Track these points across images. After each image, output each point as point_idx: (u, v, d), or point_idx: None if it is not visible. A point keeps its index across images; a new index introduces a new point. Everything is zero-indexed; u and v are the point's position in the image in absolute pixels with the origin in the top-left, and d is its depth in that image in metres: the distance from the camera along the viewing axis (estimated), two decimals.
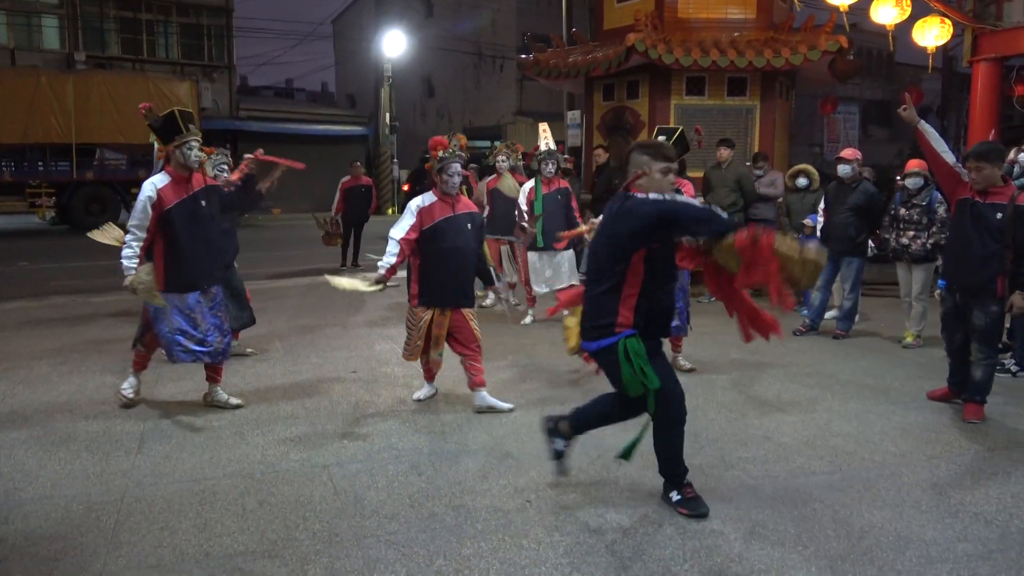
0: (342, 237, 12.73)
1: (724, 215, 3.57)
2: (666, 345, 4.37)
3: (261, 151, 6.01)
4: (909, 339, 7.20)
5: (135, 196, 5.28)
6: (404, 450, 4.55)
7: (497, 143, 9.90)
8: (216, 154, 6.60)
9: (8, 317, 8.54)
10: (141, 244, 5.00)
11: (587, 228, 5.52)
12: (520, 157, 9.17)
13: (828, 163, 18.07)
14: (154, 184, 5.00)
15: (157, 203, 4.97)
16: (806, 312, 7.92)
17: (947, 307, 5.27)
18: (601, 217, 3.82)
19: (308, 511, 3.74)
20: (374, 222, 13.64)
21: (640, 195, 3.53)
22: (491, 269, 5.47)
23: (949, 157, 5.13)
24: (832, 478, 4.15)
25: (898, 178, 7.89)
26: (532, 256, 7.92)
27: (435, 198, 5.11)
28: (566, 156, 10.09)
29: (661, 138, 6.18)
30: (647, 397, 3.58)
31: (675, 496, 3.73)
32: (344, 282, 5.01)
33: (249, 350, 6.85)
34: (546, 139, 7.95)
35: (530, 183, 7.92)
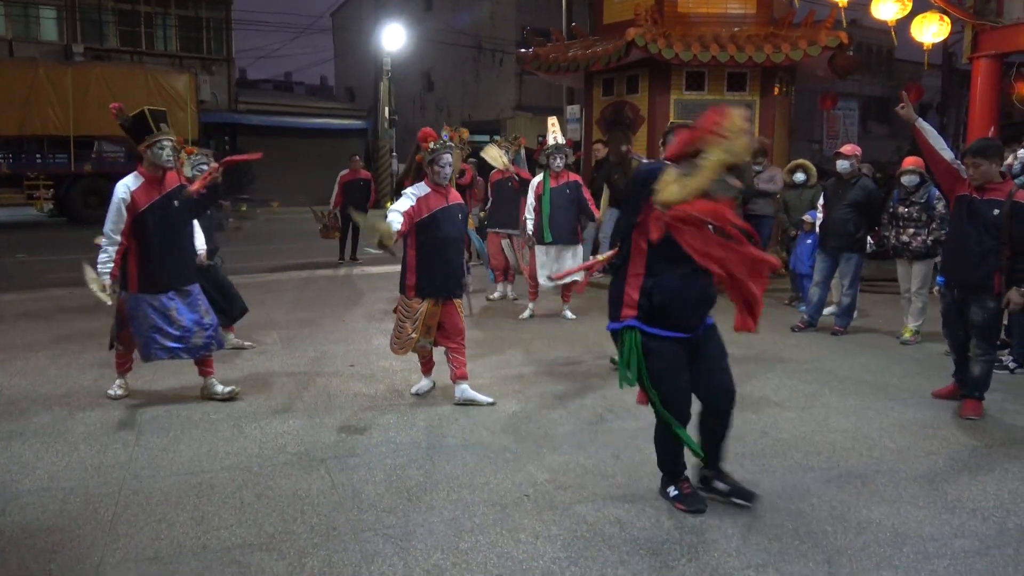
0: (340, 230, 12.73)
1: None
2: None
3: (225, 162, 5.66)
4: (907, 335, 7.20)
5: None
6: (402, 444, 4.55)
7: (497, 137, 9.89)
8: (196, 154, 6.54)
9: (6, 309, 8.52)
10: (117, 248, 4.95)
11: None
12: (521, 150, 9.16)
13: (827, 159, 18.07)
14: (127, 186, 4.96)
15: (131, 205, 4.94)
16: (804, 308, 7.92)
17: (946, 303, 5.28)
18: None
19: (306, 504, 3.74)
20: (373, 216, 13.62)
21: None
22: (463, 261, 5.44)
23: (947, 154, 5.12)
24: (829, 474, 4.16)
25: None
26: (540, 249, 7.93)
27: (428, 189, 5.11)
28: (596, 143, 10.02)
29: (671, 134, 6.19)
30: (649, 395, 3.56)
31: (672, 491, 3.73)
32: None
33: (247, 343, 6.85)
34: (554, 133, 7.94)
35: (539, 177, 7.94)
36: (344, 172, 12.77)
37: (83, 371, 6.00)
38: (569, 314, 8.09)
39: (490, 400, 5.28)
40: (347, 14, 38.16)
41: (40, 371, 6.07)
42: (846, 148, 7.70)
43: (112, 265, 4.95)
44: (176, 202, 5.11)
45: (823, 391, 5.66)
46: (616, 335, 3.63)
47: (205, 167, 6.57)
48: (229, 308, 6.67)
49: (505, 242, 8.98)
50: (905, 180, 7.09)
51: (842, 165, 7.50)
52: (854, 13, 10.62)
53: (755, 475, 4.10)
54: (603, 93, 11.39)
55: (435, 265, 5.10)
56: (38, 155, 21.07)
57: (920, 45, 10.56)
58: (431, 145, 5.09)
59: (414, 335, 5.20)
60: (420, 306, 5.16)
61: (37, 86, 20.56)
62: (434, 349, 5.44)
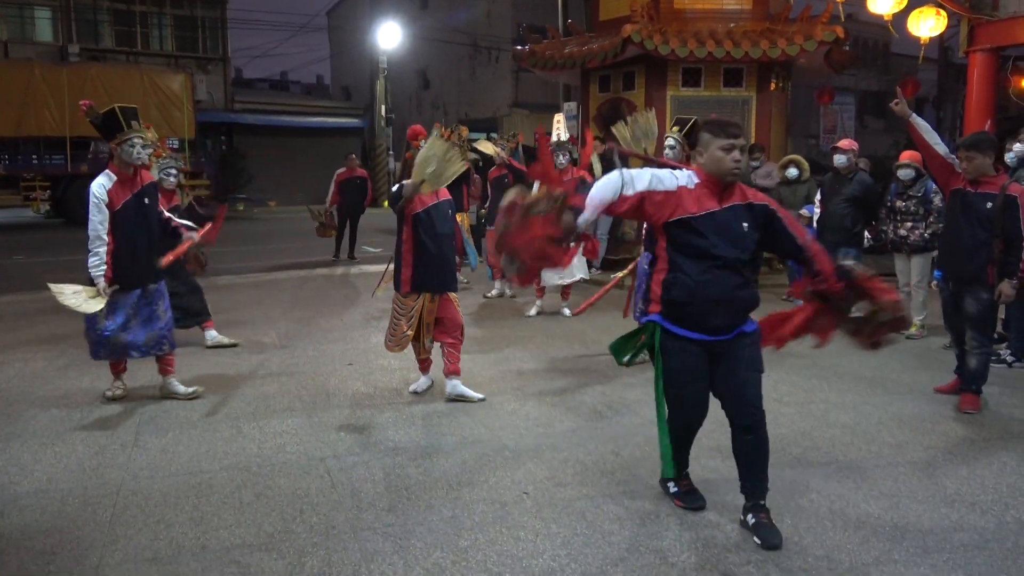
0: (336, 229, 12.72)
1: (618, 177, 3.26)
2: None
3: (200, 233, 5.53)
4: (913, 329, 7.16)
5: None
6: (401, 442, 4.55)
7: (493, 135, 9.88)
8: (165, 158, 6.50)
9: (3, 310, 8.51)
10: (106, 248, 4.95)
11: None
12: (518, 147, 9.16)
13: (824, 154, 18.06)
14: (102, 185, 4.96)
15: (109, 204, 4.94)
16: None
17: (944, 297, 5.30)
18: None
19: (305, 504, 3.74)
20: (370, 214, 13.59)
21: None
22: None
23: (941, 148, 5.13)
24: (828, 468, 4.16)
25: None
26: None
27: None
28: (594, 140, 9.97)
29: (675, 128, 6.20)
30: (655, 389, 3.46)
31: (672, 488, 3.73)
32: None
33: (227, 340, 6.82)
34: (557, 131, 7.92)
35: None
36: (340, 171, 12.75)
37: (81, 372, 5.99)
38: (568, 311, 8.09)
39: (480, 396, 5.28)
40: (343, 13, 38.11)
41: (38, 372, 6.06)
42: (843, 143, 7.70)
43: (105, 267, 4.95)
44: (147, 200, 5.12)
45: (822, 386, 5.66)
46: (642, 328, 3.49)
47: (173, 171, 6.56)
48: (200, 309, 6.68)
49: None
50: (901, 174, 7.09)
51: (839, 160, 7.49)
52: (850, 7, 10.60)
53: None
54: (599, 90, 11.37)
55: (430, 259, 5.12)
56: (34, 156, 21.05)
57: (917, 39, 10.57)
58: (421, 143, 5.12)
59: (409, 332, 5.20)
60: (415, 303, 5.16)
61: (33, 87, 20.52)
62: (432, 346, 5.44)
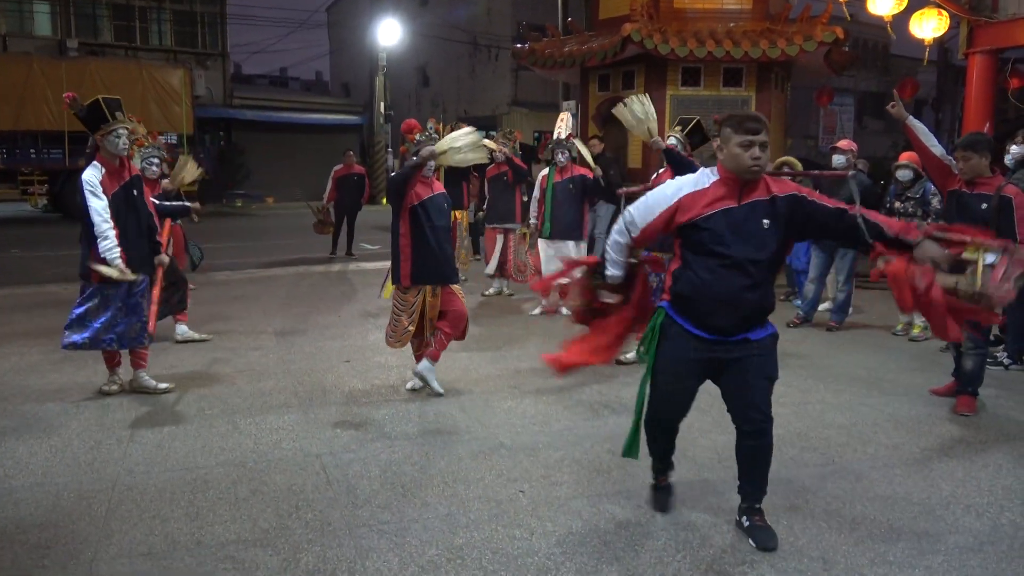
0: (334, 225, 12.71)
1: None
2: None
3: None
4: (916, 331, 7.14)
5: None
6: (397, 439, 4.54)
7: (493, 133, 9.86)
8: (148, 147, 6.49)
9: (0, 304, 8.49)
10: (114, 229, 4.94)
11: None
12: (516, 144, 9.15)
13: (823, 155, 18.06)
14: (94, 175, 4.96)
15: (103, 192, 4.95)
16: (800, 304, 7.92)
17: None
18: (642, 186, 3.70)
19: (301, 500, 3.73)
20: (367, 211, 13.58)
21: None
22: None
23: (938, 150, 5.14)
24: (824, 470, 4.16)
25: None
26: (542, 244, 7.95)
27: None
28: (592, 139, 9.94)
29: (678, 128, 6.20)
30: (643, 373, 3.45)
31: (651, 480, 3.73)
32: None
33: (201, 335, 6.81)
34: (559, 128, 7.94)
35: (544, 171, 8.01)
36: (338, 167, 12.74)
37: (77, 367, 5.98)
38: (566, 310, 8.07)
39: (440, 391, 5.30)
40: (342, 9, 38.09)
41: (34, 367, 6.05)
42: (842, 143, 7.71)
43: (119, 249, 4.93)
44: (135, 191, 5.13)
45: (818, 387, 5.67)
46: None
47: (155, 160, 6.55)
48: (181, 300, 6.65)
49: (500, 237, 8.97)
50: (899, 174, 7.11)
51: (838, 160, 7.50)
52: (850, 8, 10.59)
53: None
54: (599, 89, 11.37)
55: (429, 252, 5.12)
56: (32, 150, 21.01)
57: (920, 41, 10.56)
58: (416, 137, 5.13)
59: (410, 328, 5.20)
60: (415, 298, 5.16)
61: (31, 81, 20.50)
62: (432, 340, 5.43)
